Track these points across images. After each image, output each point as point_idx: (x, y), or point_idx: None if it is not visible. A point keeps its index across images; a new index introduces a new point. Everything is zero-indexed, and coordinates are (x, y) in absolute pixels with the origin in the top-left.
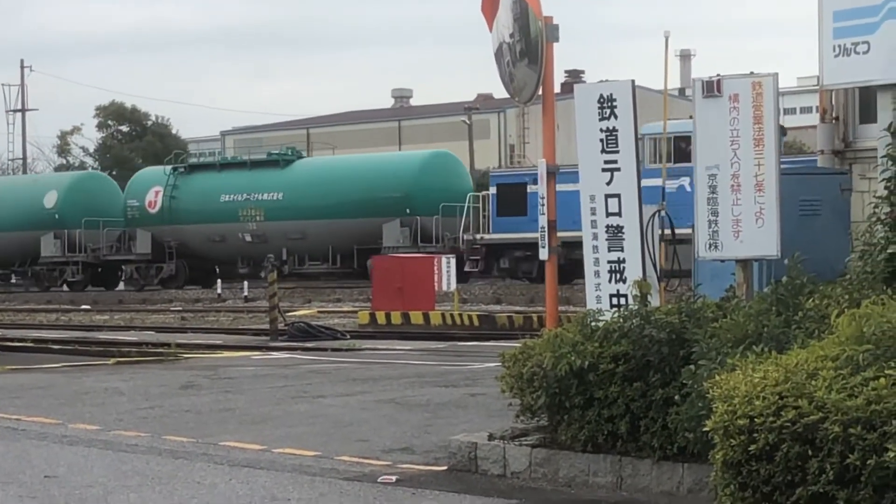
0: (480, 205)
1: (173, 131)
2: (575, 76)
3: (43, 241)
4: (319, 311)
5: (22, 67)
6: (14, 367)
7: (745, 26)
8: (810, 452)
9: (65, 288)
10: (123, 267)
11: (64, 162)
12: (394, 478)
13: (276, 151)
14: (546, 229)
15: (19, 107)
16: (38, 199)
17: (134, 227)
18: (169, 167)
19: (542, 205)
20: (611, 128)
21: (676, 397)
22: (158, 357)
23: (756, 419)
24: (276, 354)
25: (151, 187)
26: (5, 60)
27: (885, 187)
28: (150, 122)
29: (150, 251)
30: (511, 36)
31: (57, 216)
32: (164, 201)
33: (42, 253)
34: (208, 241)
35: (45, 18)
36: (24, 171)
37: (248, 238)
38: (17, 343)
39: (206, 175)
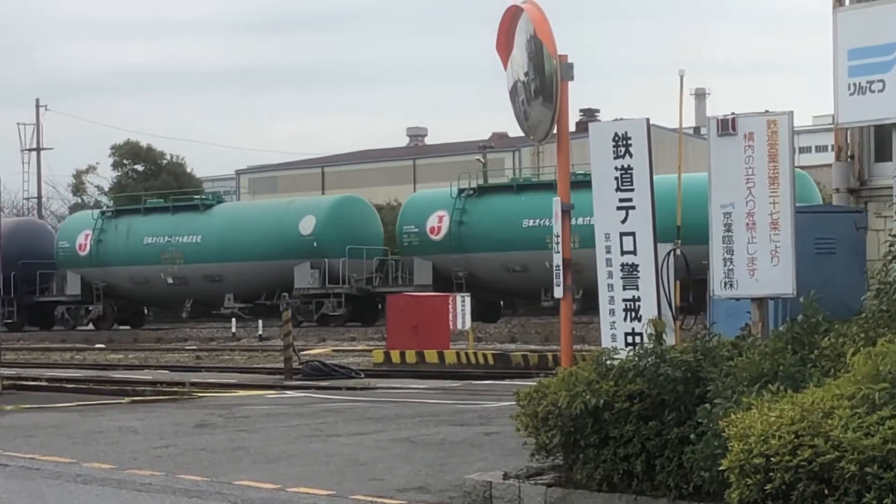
0: None
1: (188, 170)
2: (590, 115)
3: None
4: (334, 350)
5: (37, 106)
6: (29, 406)
7: (761, 65)
8: (827, 492)
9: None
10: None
11: (79, 201)
12: None
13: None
14: (561, 268)
15: (35, 146)
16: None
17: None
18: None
19: (557, 242)
20: (626, 166)
21: (692, 436)
22: (173, 396)
23: (772, 458)
24: (290, 393)
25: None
26: (21, 100)
27: None
28: (164, 161)
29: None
30: (526, 74)
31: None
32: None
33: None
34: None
35: (60, 58)
36: (39, 211)
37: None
38: (31, 382)
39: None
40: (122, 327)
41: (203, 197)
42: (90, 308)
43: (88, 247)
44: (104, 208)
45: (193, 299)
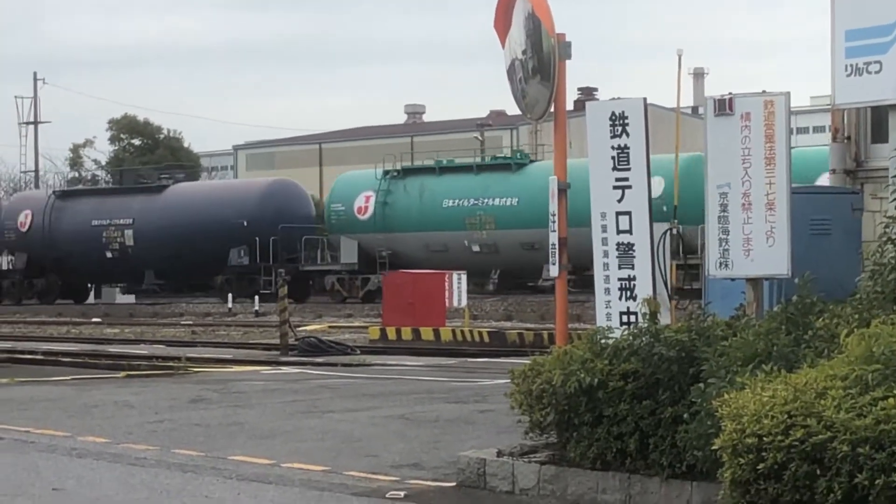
0: None
1: (185, 145)
2: (587, 93)
3: None
4: (330, 327)
5: (35, 80)
6: (24, 379)
7: (758, 45)
8: (819, 472)
9: None
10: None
11: (76, 175)
12: (402, 493)
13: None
14: (557, 246)
15: (32, 119)
16: None
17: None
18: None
19: (554, 221)
20: (622, 145)
21: (685, 415)
22: (168, 371)
23: (765, 438)
24: (286, 369)
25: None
26: (19, 73)
27: None
28: (162, 136)
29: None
30: (524, 53)
31: None
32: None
33: None
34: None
35: (58, 32)
36: (37, 184)
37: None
38: (27, 356)
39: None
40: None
41: (515, 156)
42: (370, 278)
43: (370, 210)
44: (387, 168)
45: (502, 269)
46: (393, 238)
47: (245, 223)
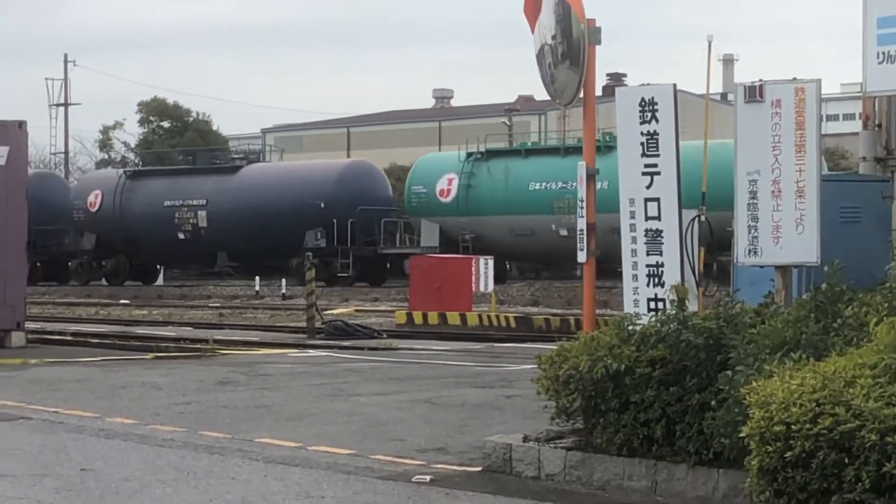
0: None
1: (214, 128)
2: (617, 79)
3: None
4: (357, 310)
5: (65, 62)
6: (53, 360)
7: (789, 31)
8: (847, 460)
9: None
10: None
11: (105, 157)
12: (428, 478)
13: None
14: (585, 231)
15: (62, 101)
16: None
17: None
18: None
19: (582, 207)
20: (651, 131)
21: (713, 402)
22: (196, 353)
23: (793, 426)
24: (312, 352)
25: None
26: (49, 55)
27: None
28: (191, 119)
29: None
30: (553, 38)
31: None
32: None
33: None
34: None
35: (88, 13)
36: (66, 166)
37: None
38: (56, 336)
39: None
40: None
41: (604, 138)
42: None
43: (453, 193)
44: (470, 150)
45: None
46: (476, 221)
47: (322, 205)
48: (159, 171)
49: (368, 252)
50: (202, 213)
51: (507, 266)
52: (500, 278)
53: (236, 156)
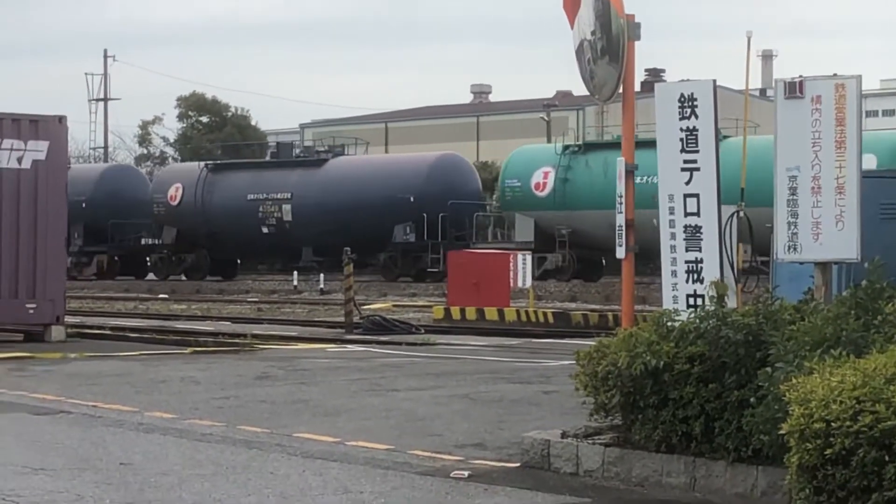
0: None
1: (252, 122)
2: (655, 75)
3: None
4: (394, 305)
5: (105, 57)
6: (92, 354)
7: (829, 27)
8: (887, 458)
9: None
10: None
11: (144, 152)
12: (466, 473)
13: None
14: (624, 227)
15: (102, 96)
16: None
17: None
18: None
19: (621, 203)
20: (691, 127)
21: (752, 399)
22: (234, 347)
23: (833, 423)
24: (350, 347)
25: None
26: (89, 50)
27: None
28: (229, 114)
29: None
30: (592, 33)
31: None
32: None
33: None
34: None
35: (128, 8)
36: (106, 160)
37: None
38: (95, 330)
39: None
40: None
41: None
42: (546, 257)
43: (549, 186)
44: (566, 143)
45: None
46: (574, 216)
47: (412, 198)
48: (242, 164)
49: (460, 247)
50: (287, 207)
51: (603, 261)
52: (593, 275)
53: (320, 148)
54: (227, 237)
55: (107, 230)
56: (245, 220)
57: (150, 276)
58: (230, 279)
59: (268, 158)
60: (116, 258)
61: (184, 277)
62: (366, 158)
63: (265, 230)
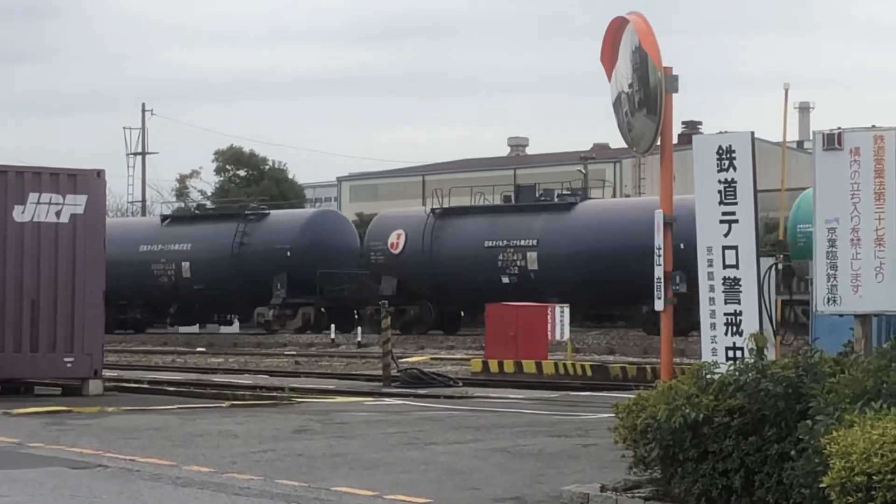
0: None
1: (290, 176)
2: (692, 127)
3: None
4: (432, 358)
5: (143, 111)
6: (130, 408)
7: (865, 78)
8: None
9: None
10: None
11: (182, 205)
12: None
13: None
14: (662, 280)
15: (140, 150)
16: None
17: None
18: None
19: (659, 255)
20: (729, 179)
21: (792, 452)
22: (272, 401)
23: (874, 476)
24: (388, 400)
25: None
26: (128, 104)
27: None
28: (266, 167)
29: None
30: (630, 86)
31: None
32: None
33: None
34: None
35: (166, 63)
36: (143, 214)
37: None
38: (133, 384)
39: None
40: None
41: None
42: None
43: None
44: None
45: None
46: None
47: (682, 246)
48: (475, 208)
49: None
50: (532, 255)
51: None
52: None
53: (565, 192)
54: (458, 287)
55: (314, 280)
56: (481, 268)
57: (364, 329)
58: (452, 334)
59: (499, 202)
60: (323, 310)
61: (399, 333)
62: (619, 202)
63: (505, 279)
